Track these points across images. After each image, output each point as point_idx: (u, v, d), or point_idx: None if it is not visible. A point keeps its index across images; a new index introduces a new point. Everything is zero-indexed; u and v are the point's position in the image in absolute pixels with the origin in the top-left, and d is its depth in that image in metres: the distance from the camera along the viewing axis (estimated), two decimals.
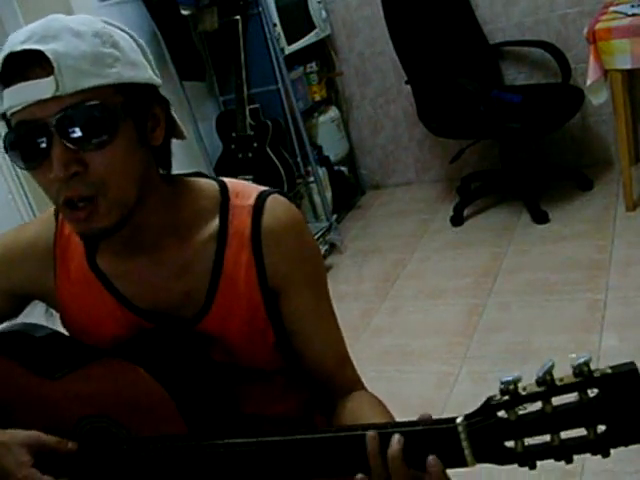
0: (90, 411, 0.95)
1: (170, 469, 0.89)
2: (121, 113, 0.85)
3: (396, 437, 0.75)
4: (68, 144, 0.82)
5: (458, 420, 0.73)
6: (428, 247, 3.27)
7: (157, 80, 0.91)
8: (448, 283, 2.91)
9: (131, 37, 0.91)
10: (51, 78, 0.79)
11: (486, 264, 2.96)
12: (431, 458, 0.74)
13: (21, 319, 1.09)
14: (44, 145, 0.82)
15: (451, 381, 2.28)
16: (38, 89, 0.80)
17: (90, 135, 0.82)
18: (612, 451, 0.69)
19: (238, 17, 3.11)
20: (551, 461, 0.71)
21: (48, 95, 0.80)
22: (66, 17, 0.85)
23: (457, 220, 3.38)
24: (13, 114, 0.83)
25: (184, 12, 3.01)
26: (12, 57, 0.81)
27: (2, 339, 1.04)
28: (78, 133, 0.82)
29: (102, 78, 0.82)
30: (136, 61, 0.88)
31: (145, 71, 0.89)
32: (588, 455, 0.69)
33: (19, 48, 0.81)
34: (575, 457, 0.70)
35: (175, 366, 0.93)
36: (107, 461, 0.94)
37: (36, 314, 1.10)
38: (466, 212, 3.41)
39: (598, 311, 2.42)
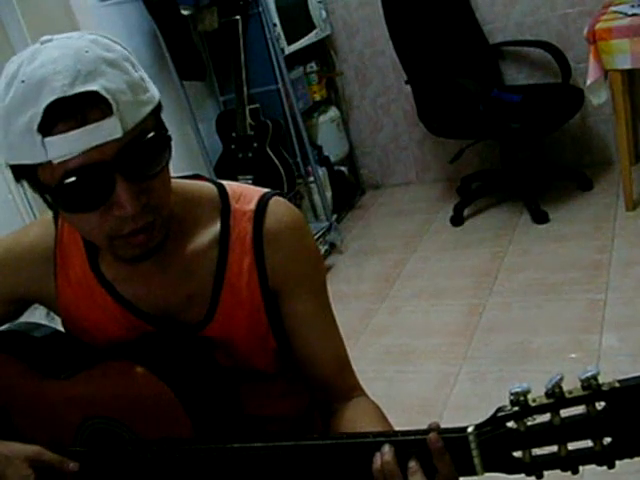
0: (95, 412, 0.95)
1: (175, 472, 0.89)
2: (165, 134, 0.84)
3: (412, 462, 0.77)
4: (134, 179, 0.80)
5: (469, 429, 0.74)
6: (428, 247, 3.27)
7: None
8: (448, 283, 2.91)
9: (123, 48, 0.87)
10: (114, 118, 0.76)
11: (486, 264, 2.96)
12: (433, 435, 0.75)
13: (22, 320, 1.09)
14: (107, 186, 0.79)
15: (451, 381, 2.28)
16: (102, 132, 0.75)
17: (153, 166, 0.82)
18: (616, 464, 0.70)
19: (238, 17, 3.11)
20: None
21: (117, 136, 0.76)
22: (83, 43, 0.79)
23: (457, 220, 3.38)
24: (63, 162, 0.76)
25: (184, 12, 3.01)
26: (57, 103, 0.74)
27: (5, 338, 1.04)
28: (142, 166, 0.80)
29: (148, 105, 0.81)
30: (145, 76, 0.86)
31: (152, 82, 0.88)
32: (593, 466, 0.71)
33: (72, 92, 0.74)
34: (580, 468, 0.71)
35: (180, 369, 0.93)
36: (112, 463, 0.94)
37: (37, 317, 1.10)
38: (466, 212, 3.41)
39: (598, 311, 2.42)
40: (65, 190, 0.79)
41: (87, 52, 0.78)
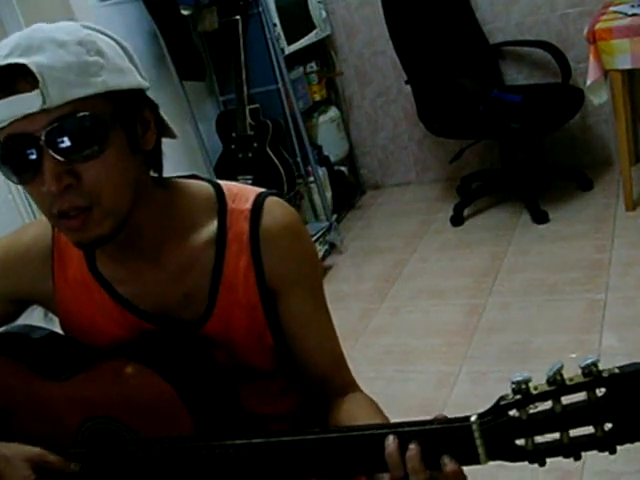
0: (95, 412, 0.95)
1: (177, 470, 0.89)
2: (110, 122, 0.84)
3: (414, 442, 0.77)
4: (58, 157, 0.81)
5: (472, 419, 0.75)
6: (428, 247, 3.27)
7: (145, 83, 0.90)
8: (448, 283, 2.91)
9: (115, 41, 0.89)
10: (36, 92, 0.78)
11: (486, 264, 2.96)
12: (446, 459, 0.76)
13: (20, 322, 1.09)
14: (35, 159, 0.81)
15: (451, 381, 2.28)
16: (24, 103, 0.79)
17: (80, 146, 0.81)
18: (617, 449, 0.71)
19: (238, 17, 3.11)
20: (552, 460, 0.72)
21: (35, 109, 0.78)
22: (49, 26, 0.84)
23: (457, 220, 3.38)
24: (1, 129, 0.81)
25: (184, 12, 3.01)
26: None
27: (3, 341, 1.04)
28: (68, 145, 0.80)
29: (88, 88, 0.81)
30: (122, 67, 0.87)
31: (132, 76, 0.88)
32: (595, 452, 0.71)
33: (2, 62, 0.79)
34: (583, 454, 0.72)
35: (181, 367, 0.93)
36: (113, 463, 0.94)
37: (35, 318, 1.10)
38: (466, 212, 3.41)
39: (598, 311, 2.42)
40: (0, 156, 0.83)
41: (42, 32, 0.82)
